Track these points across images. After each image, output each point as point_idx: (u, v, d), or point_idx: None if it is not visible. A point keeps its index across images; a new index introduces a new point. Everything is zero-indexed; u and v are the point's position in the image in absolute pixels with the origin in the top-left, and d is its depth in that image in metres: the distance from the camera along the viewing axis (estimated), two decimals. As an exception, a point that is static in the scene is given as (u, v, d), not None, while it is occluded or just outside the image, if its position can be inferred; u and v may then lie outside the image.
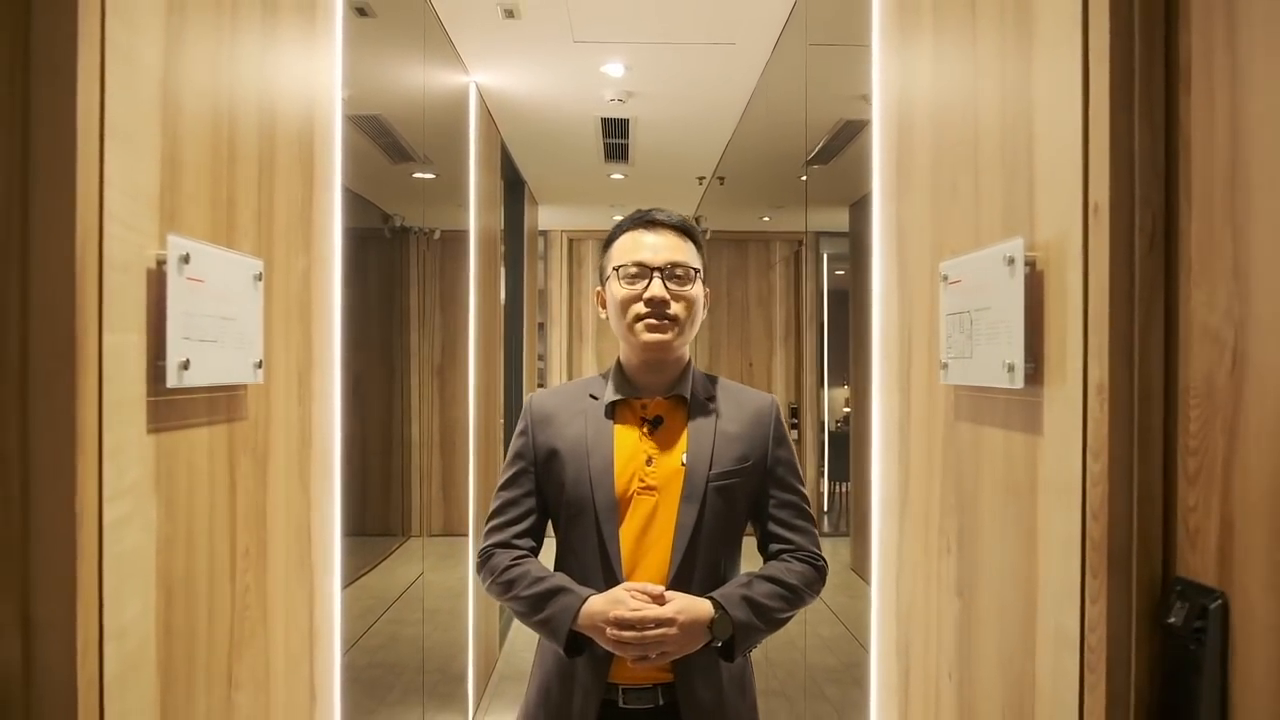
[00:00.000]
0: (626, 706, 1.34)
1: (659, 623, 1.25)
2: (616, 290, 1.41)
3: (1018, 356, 0.95)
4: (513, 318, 5.01)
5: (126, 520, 0.87)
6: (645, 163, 4.70)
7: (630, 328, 1.39)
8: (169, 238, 0.93)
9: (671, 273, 1.39)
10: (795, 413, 5.72)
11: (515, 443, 1.48)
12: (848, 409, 4.77)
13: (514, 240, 5.07)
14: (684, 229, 1.45)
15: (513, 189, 5.02)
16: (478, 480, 3.52)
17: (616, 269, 1.42)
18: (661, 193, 5.62)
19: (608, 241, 1.49)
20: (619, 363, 1.47)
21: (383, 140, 2.59)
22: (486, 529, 1.46)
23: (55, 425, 0.79)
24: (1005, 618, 1.04)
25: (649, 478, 1.37)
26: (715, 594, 1.32)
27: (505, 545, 1.42)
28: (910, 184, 1.42)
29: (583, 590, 1.32)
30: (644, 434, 1.40)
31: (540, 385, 6.89)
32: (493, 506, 1.46)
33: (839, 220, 3.67)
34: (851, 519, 4.67)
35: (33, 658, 0.79)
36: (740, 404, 1.45)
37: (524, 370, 5.36)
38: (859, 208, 3.08)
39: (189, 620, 1.01)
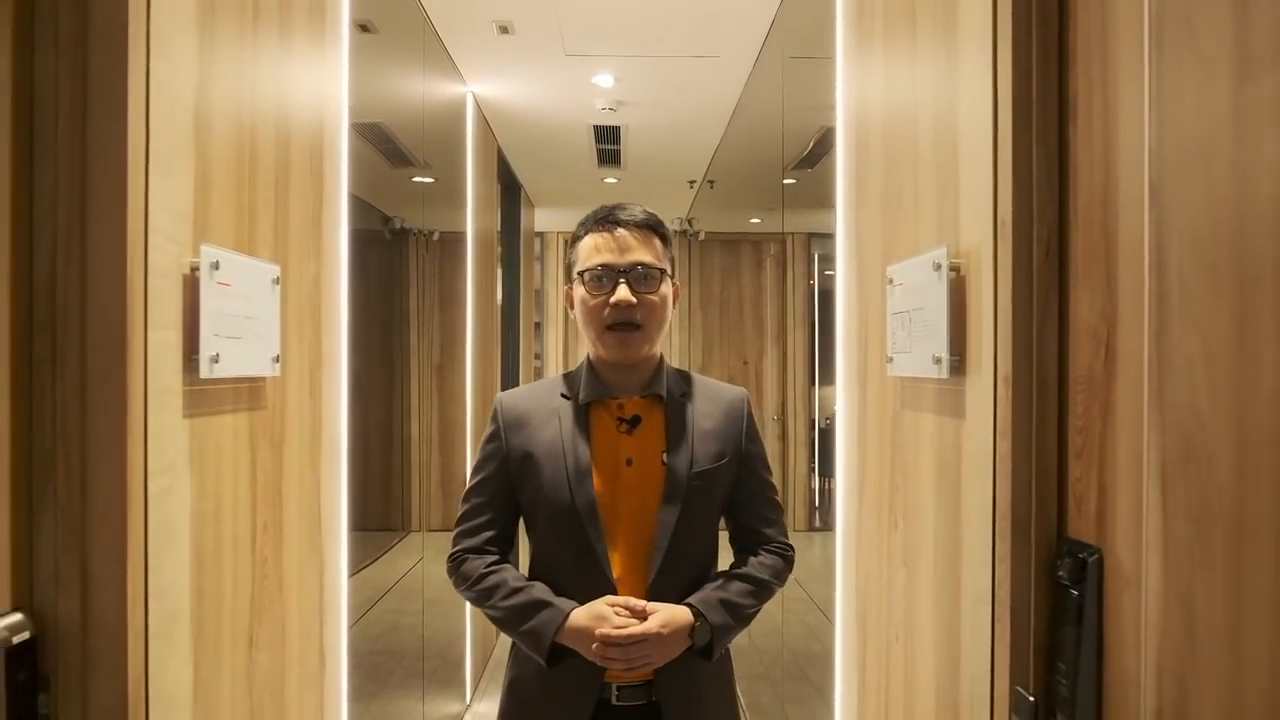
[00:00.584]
0: (620, 704, 1.36)
1: (643, 639, 1.27)
2: (583, 295, 1.39)
3: (944, 350, 1.09)
4: (510, 317, 5.14)
5: (166, 493, 1.01)
6: (637, 167, 4.84)
7: (600, 337, 1.38)
8: (202, 247, 1.06)
9: (638, 274, 1.37)
10: (782, 410, 5.83)
11: (486, 445, 1.45)
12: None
13: (511, 241, 5.21)
14: (649, 226, 1.42)
15: (509, 192, 5.16)
16: None
17: (581, 273, 1.39)
18: (654, 195, 5.76)
19: (573, 239, 1.46)
20: (590, 362, 1.45)
21: (383, 146, 2.72)
22: (457, 532, 1.44)
23: (109, 410, 0.92)
24: (939, 583, 1.18)
25: (630, 478, 1.37)
26: (694, 601, 1.34)
27: (478, 550, 1.41)
28: (867, 192, 1.55)
29: (564, 604, 1.32)
30: (622, 434, 1.39)
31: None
32: (463, 509, 1.45)
33: (829, 222, 3.80)
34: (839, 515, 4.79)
35: (90, 609, 0.93)
36: (713, 400, 1.45)
37: (520, 369, 5.49)
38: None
39: (216, 584, 1.15)
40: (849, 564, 1.66)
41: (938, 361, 1.10)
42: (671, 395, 1.42)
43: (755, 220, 6.18)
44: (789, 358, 6.13)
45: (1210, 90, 0.70)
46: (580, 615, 1.30)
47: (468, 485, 1.46)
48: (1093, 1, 0.89)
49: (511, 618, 1.34)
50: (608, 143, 4.24)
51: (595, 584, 1.34)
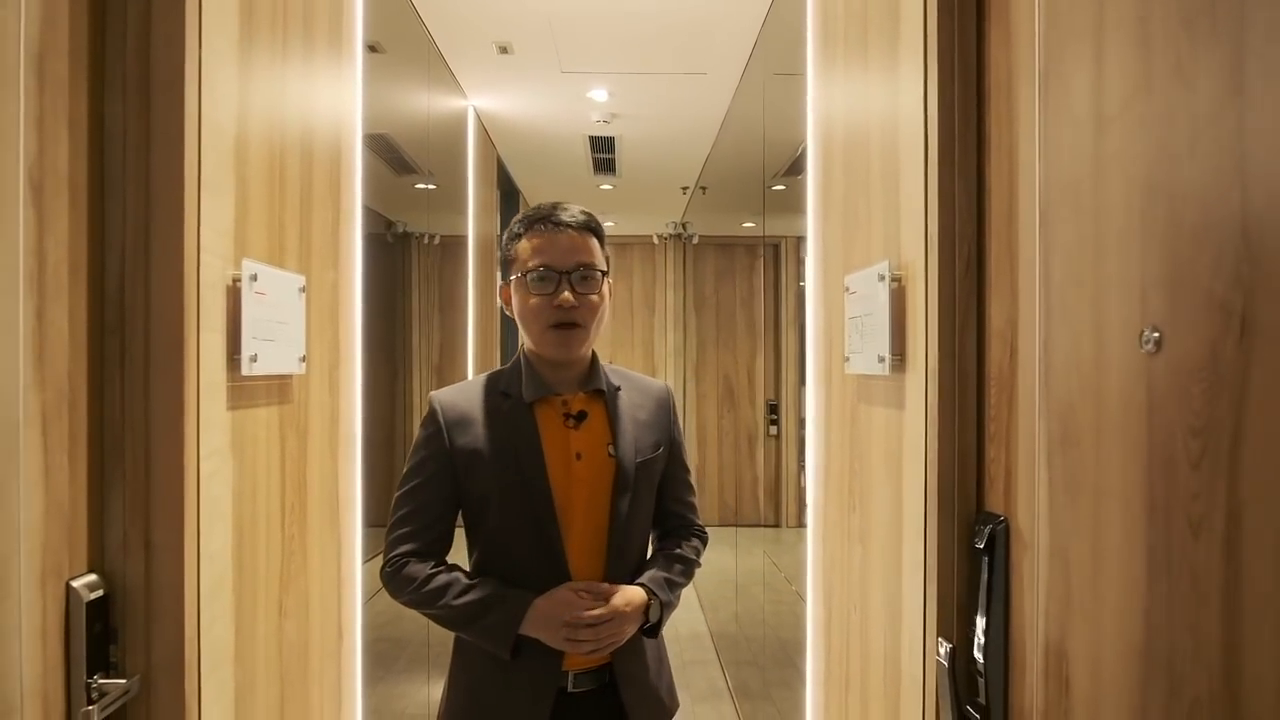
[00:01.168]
0: (576, 690, 1.41)
1: (611, 617, 1.34)
2: (524, 294, 1.42)
3: (886, 351, 1.25)
4: (507, 316, 5.28)
5: (214, 474, 1.17)
6: (631, 174, 5.01)
7: (541, 336, 1.41)
8: (243, 261, 1.22)
9: (579, 276, 1.40)
10: (774, 409, 5.98)
11: (426, 445, 1.44)
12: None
13: (509, 246, 5.37)
14: (588, 227, 1.44)
15: (508, 198, 5.33)
16: None
17: (524, 274, 1.41)
18: (648, 200, 5.92)
19: (511, 237, 1.47)
20: (526, 359, 1.47)
21: (388, 155, 2.88)
22: (394, 536, 1.44)
23: (168, 402, 1.08)
24: (886, 555, 1.34)
25: (580, 471, 1.41)
26: (645, 581, 1.42)
27: (420, 555, 1.41)
28: (831, 205, 1.72)
29: (521, 595, 1.36)
30: (570, 429, 1.43)
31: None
32: (400, 512, 1.44)
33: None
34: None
35: (152, 572, 1.09)
36: (643, 392, 1.52)
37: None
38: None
39: (253, 556, 1.31)
40: (817, 545, 1.82)
41: (881, 360, 1.26)
42: (610, 390, 1.48)
43: (749, 224, 6.36)
44: (781, 357, 6.29)
45: (1078, 140, 0.86)
46: (544, 604, 1.34)
47: (403, 488, 1.45)
48: (1001, 57, 1.05)
49: (470, 613, 1.36)
50: (603, 152, 4.41)
51: (553, 574, 1.38)
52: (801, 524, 5.80)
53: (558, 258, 1.40)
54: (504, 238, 1.50)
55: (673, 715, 1.52)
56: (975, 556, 1.08)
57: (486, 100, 3.57)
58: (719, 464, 7.11)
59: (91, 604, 1.03)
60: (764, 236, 4.72)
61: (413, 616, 3.53)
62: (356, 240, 1.83)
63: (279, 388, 1.40)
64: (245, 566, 1.28)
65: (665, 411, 1.54)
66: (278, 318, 1.33)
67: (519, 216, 1.48)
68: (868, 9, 1.45)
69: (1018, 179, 1.01)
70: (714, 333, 7.20)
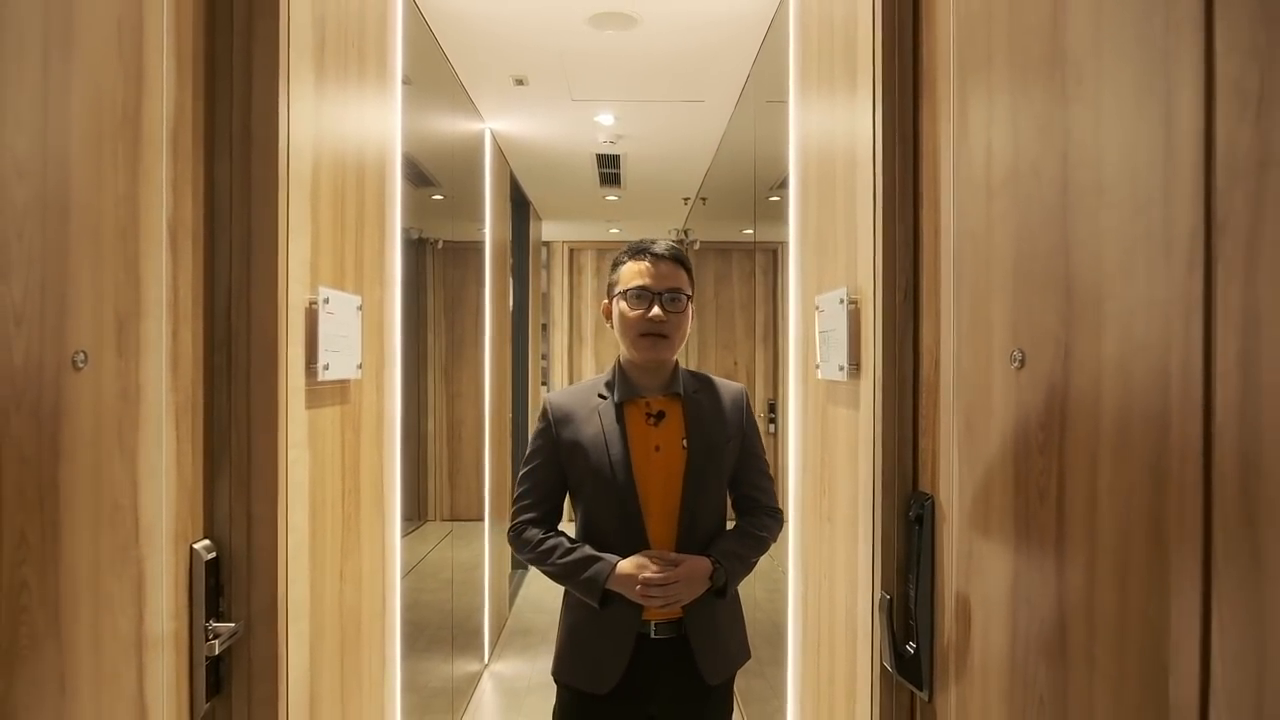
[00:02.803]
0: (656, 637, 1.74)
1: (676, 580, 1.66)
2: (624, 309, 1.75)
3: (845, 361, 1.52)
4: (519, 320, 5.56)
5: (297, 461, 1.44)
6: (636, 187, 5.28)
7: (634, 342, 1.74)
8: (319, 288, 1.49)
9: (669, 297, 1.74)
10: (773, 408, 6.23)
11: (539, 437, 1.81)
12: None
13: (520, 251, 5.65)
14: (679, 259, 1.79)
15: (519, 208, 5.60)
16: (493, 469, 4.04)
17: (624, 291, 1.75)
18: (651, 210, 6.18)
19: (615, 264, 1.82)
20: (621, 366, 1.79)
21: (409, 171, 3.14)
22: (517, 507, 1.81)
23: (265, 403, 1.35)
24: (847, 530, 1.61)
25: (658, 460, 1.74)
26: (711, 551, 1.73)
27: (536, 522, 1.78)
28: (808, 230, 1.98)
29: (610, 557, 1.70)
30: (650, 426, 1.76)
31: (544, 383, 7.44)
32: (521, 489, 1.80)
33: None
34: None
35: (252, 539, 1.36)
36: (719, 393, 1.83)
37: (529, 368, 5.90)
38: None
39: (321, 530, 1.58)
40: (798, 525, 2.09)
41: (842, 369, 1.53)
42: (687, 393, 1.79)
43: (748, 231, 6.61)
44: (779, 358, 6.53)
45: (976, 202, 1.13)
46: (625, 565, 1.68)
47: (523, 470, 1.82)
48: (930, 126, 1.32)
49: (570, 570, 1.72)
50: (609, 167, 4.69)
51: (633, 542, 1.72)
52: (798, 518, 6.06)
53: (653, 282, 1.73)
54: (611, 264, 1.84)
55: (740, 665, 1.84)
56: (910, 527, 1.34)
57: (502, 124, 3.84)
58: (719, 461, 7.31)
59: (209, 563, 1.30)
60: (758, 243, 4.98)
61: (429, 603, 3.76)
62: (397, 259, 2.10)
63: (341, 391, 1.67)
64: (316, 539, 1.55)
65: (738, 410, 1.83)
66: (341, 332, 1.60)
67: (625, 248, 1.81)
68: (834, 63, 1.71)
69: (940, 228, 1.27)
70: (715, 334, 7.42)
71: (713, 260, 7.48)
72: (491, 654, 4.26)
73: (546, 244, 7.74)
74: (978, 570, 1.12)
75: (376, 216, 1.93)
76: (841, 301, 1.53)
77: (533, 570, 6.15)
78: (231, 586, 1.35)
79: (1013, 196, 1.02)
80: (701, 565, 1.71)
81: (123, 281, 1.10)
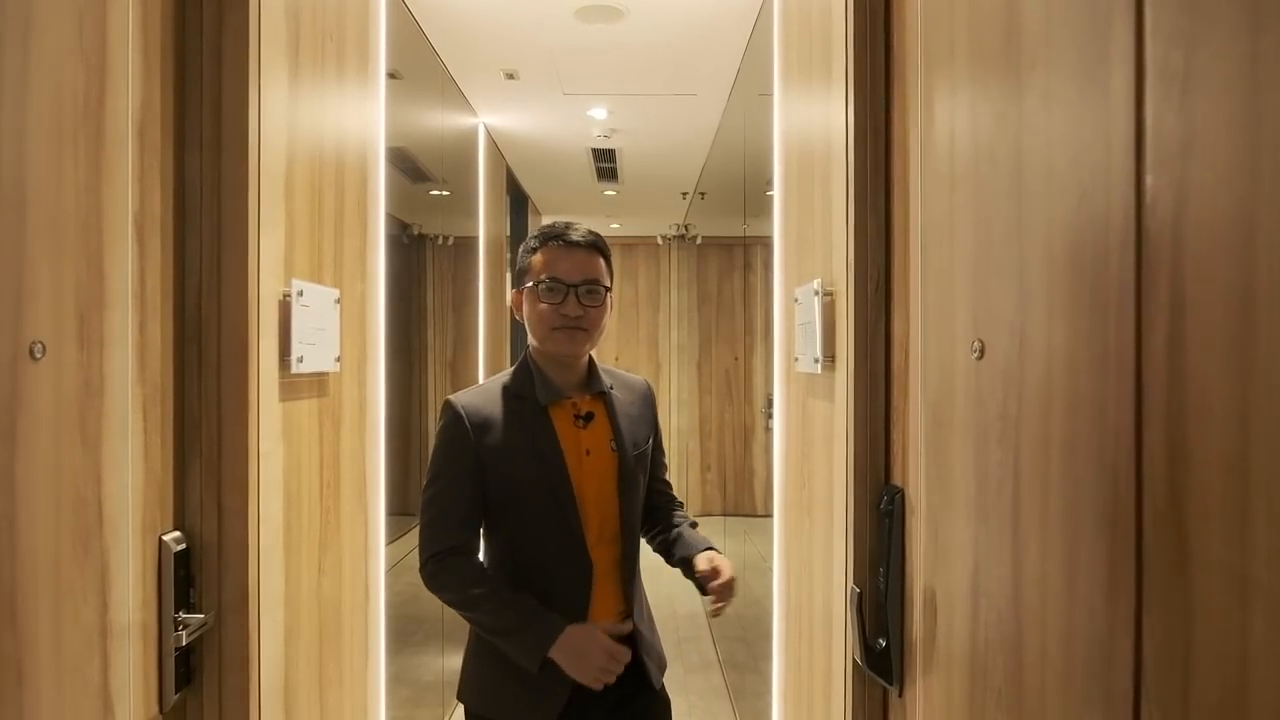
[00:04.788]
0: None
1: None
2: (535, 302, 1.57)
3: (820, 353, 1.51)
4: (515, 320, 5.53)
5: (270, 454, 1.44)
6: (633, 182, 5.27)
7: (548, 336, 1.56)
8: (292, 280, 1.49)
9: (586, 290, 1.56)
10: (771, 402, 6.21)
11: (453, 445, 1.55)
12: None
13: (519, 246, 5.64)
14: (596, 247, 1.61)
15: (518, 203, 5.59)
16: None
17: (535, 283, 1.57)
18: (650, 205, 6.17)
19: (526, 251, 1.63)
20: (534, 365, 1.61)
21: (404, 166, 3.14)
22: (431, 531, 1.54)
23: (236, 395, 1.35)
24: (824, 523, 1.60)
25: (590, 465, 1.58)
26: (702, 546, 1.66)
27: (456, 550, 1.54)
28: (789, 224, 1.97)
29: (553, 621, 1.47)
30: (579, 429, 1.59)
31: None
32: (433, 512, 1.55)
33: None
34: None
35: (223, 531, 1.36)
36: (631, 389, 1.71)
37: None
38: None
39: (297, 523, 1.58)
40: (781, 520, 2.08)
41: (817, 361, 1.52)
42: (608, 391, 1.64)
43: (746, 225, 6.60)
44: (775, 353, 6.52)
45: (940, 193, 1.12)
46: (574, 638, 1.45)
47: (433, 488, 1.56)
48: (900, 124, 1.31)
49: (503, 628, 1.49)
50: (605, 162, 4.68)
51: (575, 559, 1.54)
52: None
53: (567, 272, 1.56)
54: (520, 251, 1.67)
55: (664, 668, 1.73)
56: (881, 519, 1.34)
57: (495, 118, 3.84)
58: (719, 456, 7.35)
59: (178, 554, 1.31)
60: (754, 238, 4.97)
61: (427, 597, 3.77)
62: (380, 254, 2.10)
63: (318, 383, 1.67)
64: (292, 531, 1.55)
65: (650, 407, 1.74)
66: (318, 325, 1.60)
67: (534, 233, 1.65)
68: (812, 55, 1.70)
69: (911, 222, 1.27)
70: (715, 329, 7.43)
71: (715, 255, 7.48)
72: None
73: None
74: (943, 563, 1.12)
75: (359, 210, 1.93)
76: (817, 293, 1.52)
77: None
78: (202, 578, 1.35)
79: (973, 185, 1.02)
80: (725, 563, 1.61)
81: (85, 274, 1.10)
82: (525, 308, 1.62)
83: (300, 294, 1.51)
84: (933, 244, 1.15)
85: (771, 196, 4.20)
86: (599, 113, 3.73)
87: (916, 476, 1.23)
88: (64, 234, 1.06)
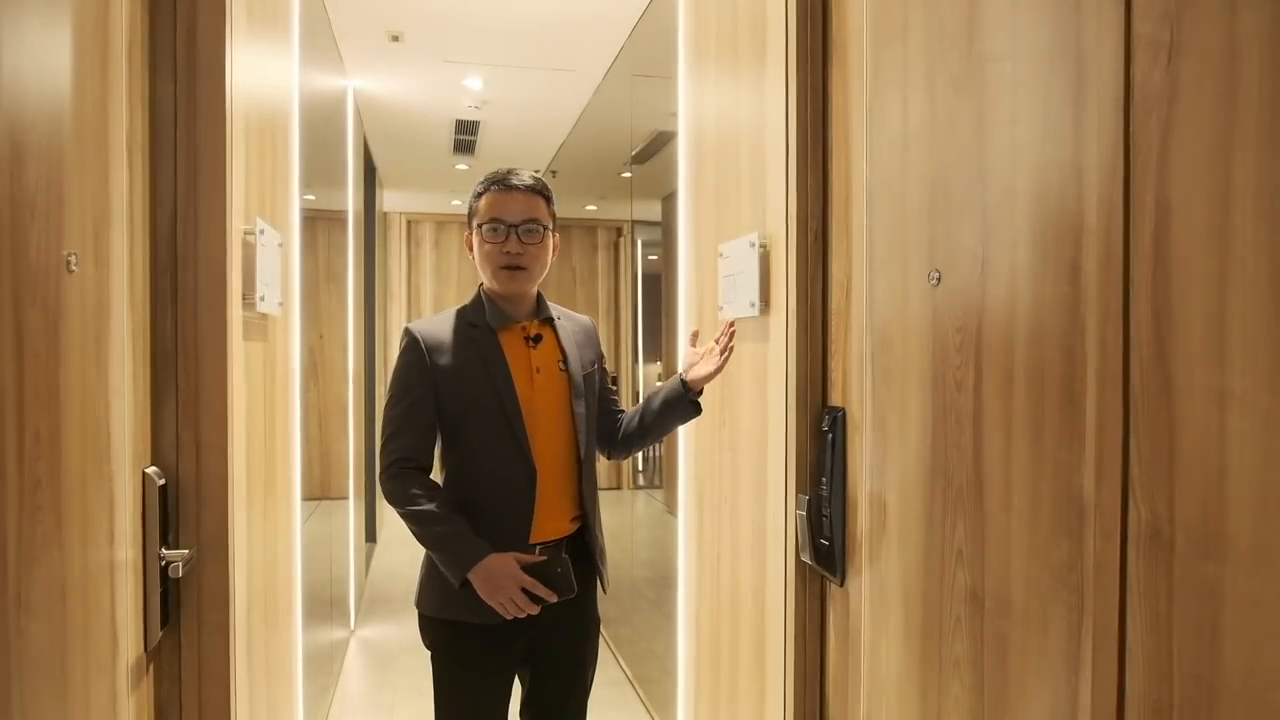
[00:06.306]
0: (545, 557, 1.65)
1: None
2: (482, 242, 1.71)
3: (756, 298, 1.70)
4: (368, 295, 5.40)
5: (238, 388, 1.43)
6: (488, 156, 5.28)
7: (494, 274, 1.71)
8: (255, 219, 1.48)
9: (526, 229, 1.71)
10: (615, 381, 6.46)
11: (412, 368, 1.67)
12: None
13: (369, 221, 5.48)
14: (538, 190, 1.75)
15: (368, 175, 5.43)
16: (356, 448, 3.97)
17: (480, 225, 1.71)
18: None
19: (474, 196, 1.76)
20: (487, 296, 1.76)
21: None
22: (389, 448, 1.66)
23: (214, 330, 1.34)
24: (752, 454, 1.80)
25: (541, 383, 1.74)
26: (676, 383, 1.77)
27: (410, 461, 1.65)
28: (702, 187, 2.15)
29: (478, 547, 1.59)
30: (530, 349, 1.74)
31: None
32: (393, 428, 1.66)
33: (653, 211, 4.44)
34: (663, 472, 5.45)
35: (201, 466, 1.35)
36: (576, 323, 1.88)
37: (377, 346, 5.74)
38: (669, 201, 3.85)
39: (255, 464, 1.57)
40: (688, 453, 2.27)
41: (752, 305, 1.71)
42: (555, 320, 1.82)
43: (591, 207, 6.76)
44: (621, 331, 6.73)
45: (891, 152, 1.33)
46: (492, 566, 1.58)
47: (395, 406, 1.68)
48: (840, 93, 1.51)
49: (435, 542, 1.63)
50: (466, 134, 4.67)
51: (522, 472, 1.67)
52: (638, 485, 6.27)
53: (508, 213, 1.71)
54: (470, 197, 1.79)
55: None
56: (822, 437, 1.55)
57: (366, 81, 3.75)
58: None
59: (162, 488, 1.29)
60: (605, 220, 5.13)
61: (308, 569, 3.63)
62: (296, 204, 2.07)
63: (265, 326, 1.66)
64: (252, 458, 1.55)
65: (594, 339, 1.92)
66: (269, 268, 1.59)
67: (483, 179, 1.77)
68: (737, 35, 1.89)
69: (850, 177, 1.47)
70: (577, 303, 7.51)
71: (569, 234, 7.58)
72: (356, 620, 4.24)
73: (384, 215, 7.51)
74: (895, 460, 1.33)
75: (284, 161, 1.90)
76: (752, 245, 1.71)
77: (383, 541, 6.03)
78: (181, 514, 1.34)
79: (929, 144, 1.23)
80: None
81: (97, 190, 1.08)
82: (475, 248, 1.76)
83: (263, 233, 1.50)
84: (881, 196, 1.36)
85: (628, 178, 4.39)
86: (474, 83, 3.74)
87: (860, 397, 1.44)
88: (85, 147, 1.04)
